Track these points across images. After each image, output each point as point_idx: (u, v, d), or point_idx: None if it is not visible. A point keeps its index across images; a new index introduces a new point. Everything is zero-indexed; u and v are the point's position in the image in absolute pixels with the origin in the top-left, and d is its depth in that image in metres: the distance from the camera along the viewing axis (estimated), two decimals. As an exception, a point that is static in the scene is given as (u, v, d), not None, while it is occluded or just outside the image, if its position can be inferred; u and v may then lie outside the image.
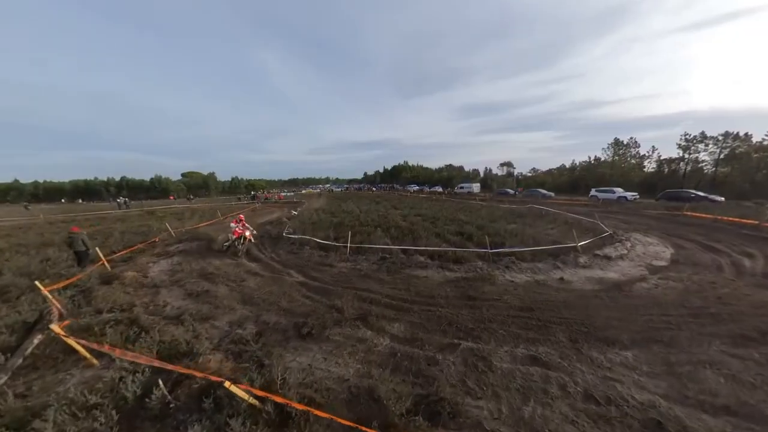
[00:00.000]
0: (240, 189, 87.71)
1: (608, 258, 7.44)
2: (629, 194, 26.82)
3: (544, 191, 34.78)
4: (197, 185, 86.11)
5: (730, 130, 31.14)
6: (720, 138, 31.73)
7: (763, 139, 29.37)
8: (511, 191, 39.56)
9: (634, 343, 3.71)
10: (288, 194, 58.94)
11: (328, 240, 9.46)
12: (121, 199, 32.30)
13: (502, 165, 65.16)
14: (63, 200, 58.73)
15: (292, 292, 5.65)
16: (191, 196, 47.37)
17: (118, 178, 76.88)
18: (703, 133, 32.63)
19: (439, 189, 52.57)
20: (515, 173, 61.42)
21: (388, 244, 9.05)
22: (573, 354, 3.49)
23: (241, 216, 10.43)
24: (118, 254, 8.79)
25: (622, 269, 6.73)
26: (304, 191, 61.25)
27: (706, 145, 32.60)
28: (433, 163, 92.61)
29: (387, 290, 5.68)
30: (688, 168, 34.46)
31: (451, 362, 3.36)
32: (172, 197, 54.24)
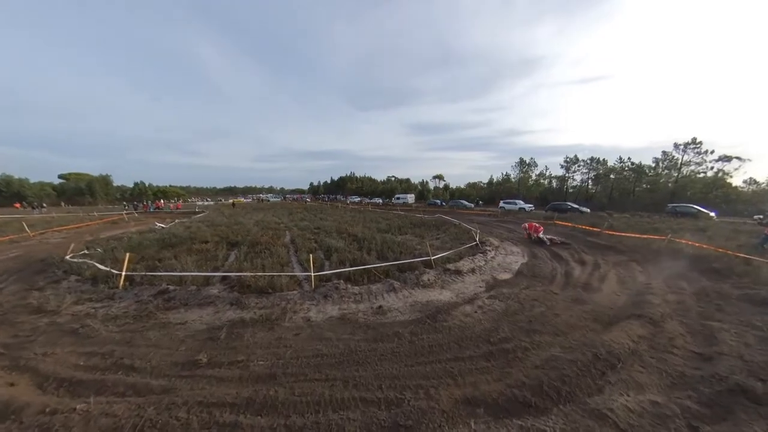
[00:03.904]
0: (148, 196, 72.05)
1: (458, 272, 6.58)
2: (527, 206, 30.63)
3: (465, 202, 38.36)
4: (79, 191, 66.81)
5: (595, 156, 39.25)
6: (588, 161, 39.60)
7: (614, 165, 37.74)
8: (439, 202, 43.03)
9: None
10: (208, 203, 50.98)
11: (129, 264, 6.45)
12: None
13: (434, 178, 69.68)
14: None
15: None
16: (43, 204, 35.27)
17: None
18: (576, 156, 40.30)
19: (379, 201, 53.01)
20: (446, 185, 66.44)
21: (217, 269, 6.79)
22: None
23: None
24: None
25: (460, 288, 5.81)
26: (231, 200, 54.36)
27: (579, 166, 40.27)
28: (384, 174, 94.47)
29: (61, 365, 3.27)
30: (575, 185, 41.98)
31: None
32: (18, 205, 39.79)
